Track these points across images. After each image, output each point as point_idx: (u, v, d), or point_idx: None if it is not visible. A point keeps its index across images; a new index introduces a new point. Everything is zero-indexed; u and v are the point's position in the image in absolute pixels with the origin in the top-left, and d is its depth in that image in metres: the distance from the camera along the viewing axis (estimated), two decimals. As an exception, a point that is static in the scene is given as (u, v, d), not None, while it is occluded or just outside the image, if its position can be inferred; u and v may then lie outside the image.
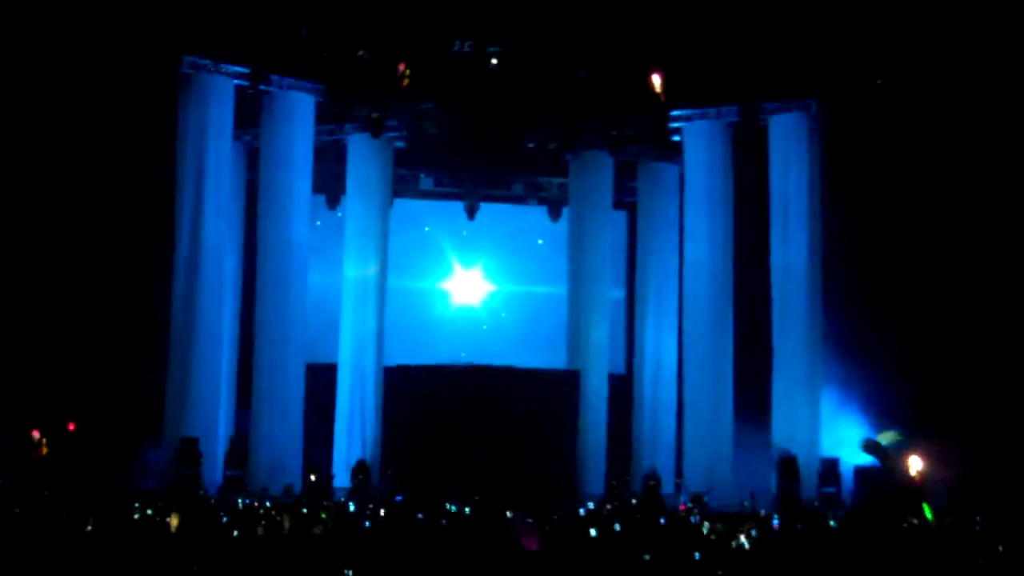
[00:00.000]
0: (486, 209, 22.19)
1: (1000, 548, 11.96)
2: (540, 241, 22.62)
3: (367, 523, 12.45)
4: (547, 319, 21.85)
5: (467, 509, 14.47)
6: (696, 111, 20.29)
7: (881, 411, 18.34)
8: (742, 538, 12.96)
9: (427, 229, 22.33)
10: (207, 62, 18.71)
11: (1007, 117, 17.99)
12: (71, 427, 16.77)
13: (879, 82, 18.95)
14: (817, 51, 18.77)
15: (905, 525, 14.28)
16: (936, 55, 18.14)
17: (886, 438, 18.06)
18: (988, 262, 18.37)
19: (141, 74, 18.17)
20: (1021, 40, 17.50)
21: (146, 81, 18.25)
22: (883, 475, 17.70)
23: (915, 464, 17.25)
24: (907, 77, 18.61)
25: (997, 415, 17.56)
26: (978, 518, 13.56)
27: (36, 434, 16.37)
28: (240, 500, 15.93)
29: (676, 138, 20.60)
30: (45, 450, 16.39)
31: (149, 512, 13.41)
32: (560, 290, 21.52)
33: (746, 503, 16.94)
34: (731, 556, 11.95)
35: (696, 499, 17.27)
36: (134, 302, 18.13)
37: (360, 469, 18.29)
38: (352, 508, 14.81)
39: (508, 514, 13.02)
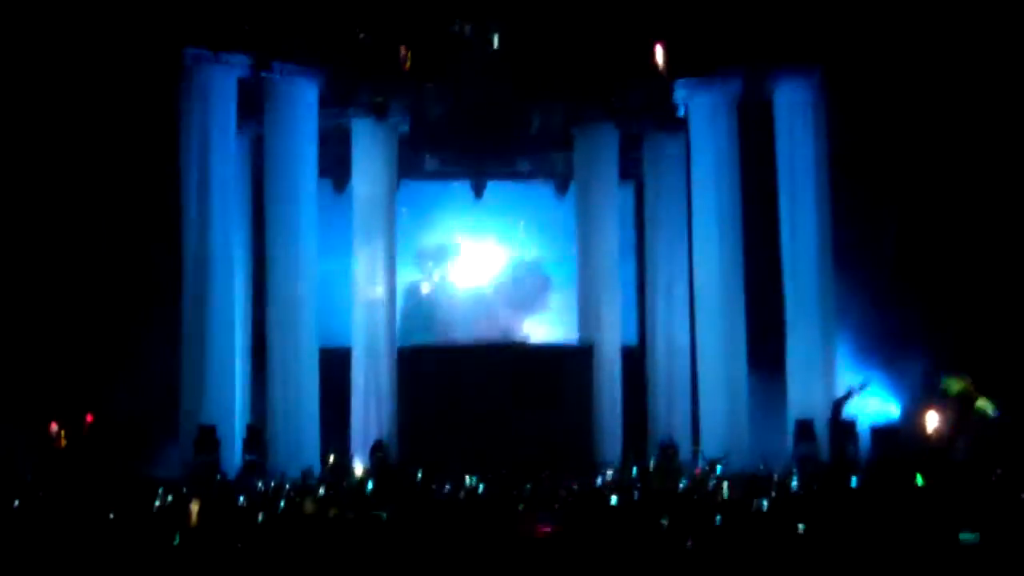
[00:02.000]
0: (493, 187, 22.19)
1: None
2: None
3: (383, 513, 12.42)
4: (558, 294, 21.90)
5: (480, 487, 14.52)
6: (700, 83, 20.20)
7: (897, 370, 18.32)
8: (761, 501, 12.97)
9: (434, 210, 22.34)
10: (208, 53, 18.69)
11: (1019, 84, 17.90)
12: (89, 418, 16.84)
13: (885, 49, 18.83)
14: (820, 18, 18.69)
15: (922, 484, 14.26)
16: (944, 21, 18.04)
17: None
18: (1001, 225, 18.32)
19: (143, 68, 18.21)
20: None
21: (148, 75, 18.29)
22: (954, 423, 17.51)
23: (932, 421, 17.17)
24: (913, 44, 18.50)
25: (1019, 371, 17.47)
26: (998, 470, 13.52)
27: (54, 426, 16.45)
28: (259, 484, 16.04)
29: (681, 110, 20.56)
30: (64, 442, 16.48)
31: (170, 499, 13.51)
32: (570, 265, 21.53)
33: (761, 467, 16.96)
34: (750, 519, 11.97)
35: (713, 464, 17.30)
36: (145, 293, 18.19)
37: (378, 448, 18.40)
38: (371, 486, 14.92)
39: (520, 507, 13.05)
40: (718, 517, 11.50)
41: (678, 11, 19.06)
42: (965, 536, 10.42)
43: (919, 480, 13.93)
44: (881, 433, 17.95)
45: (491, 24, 19.58)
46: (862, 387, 16.90)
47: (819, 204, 19.30)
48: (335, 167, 20.83)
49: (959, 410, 16.23)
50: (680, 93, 20.36)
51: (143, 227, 18.39)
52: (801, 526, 10.80)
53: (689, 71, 20.08)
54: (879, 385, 17.86)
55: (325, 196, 20.71)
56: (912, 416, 17.38)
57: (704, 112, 20.20)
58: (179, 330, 18.17)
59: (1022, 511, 11.64)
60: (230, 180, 18.99)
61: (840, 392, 17.39)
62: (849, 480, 14.46)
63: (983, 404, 16.40)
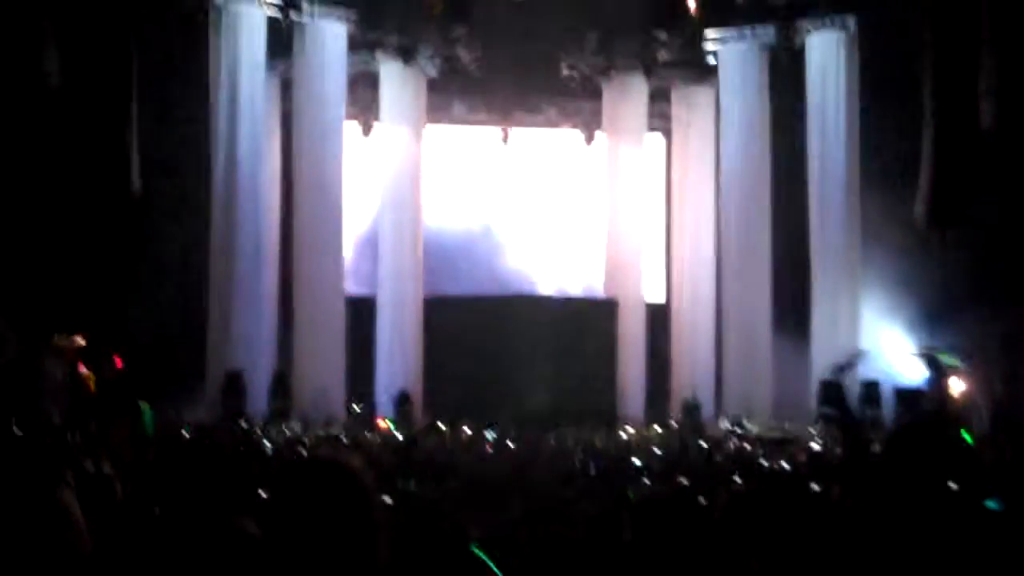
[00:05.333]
0: (520, 135, 22.04)
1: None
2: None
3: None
4: (584, 246, 21.83)
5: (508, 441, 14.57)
6: (732, 32, 20.06)
7: (922, 332, 18.19)
8: (782, 462, 12.98)
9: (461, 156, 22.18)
10: (239, -9, 18.60)
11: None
12: (118, 363, 16.89)
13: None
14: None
15: (948, 448, 14.20)
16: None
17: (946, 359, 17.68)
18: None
19: (173, 4, 18.10)
20: None
21: (179, 11, 18.16)
22: (933, 391, 17.40)
23: (957, 385, 17.11)
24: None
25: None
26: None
27: (84, 369, 16.49)
28: (284, 430, 16.18)
29: (712, 61, 20.39)
30: (93, 386, 16.51)
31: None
32: (597, 216, 21.44)
33: (787, 426, 17.00)
34: (771, 479, 11.99)
35: (736, 422, 17.34)
36: (174, 235, 18.18)
37: (404, 399, 18.46)
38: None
39: None
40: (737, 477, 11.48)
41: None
42: (991, 503, 10.38)
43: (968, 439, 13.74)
44: (905, 396, 17.87)
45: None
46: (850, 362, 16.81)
47: (849, 158, 19.13)
48: (363, 111, 20.74)
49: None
50: (711, 43, 20.18)
51: (169, 168, 18.30)
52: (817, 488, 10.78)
53: (721, 22, 19.88)
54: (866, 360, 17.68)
55: (352, 139, 20.62)
56: (937, 380, 17.31)
57: (735, 63, 20.12)
58: (207, 274, 18.20)
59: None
60: (259, 120, 18.96)
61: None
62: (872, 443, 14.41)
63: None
